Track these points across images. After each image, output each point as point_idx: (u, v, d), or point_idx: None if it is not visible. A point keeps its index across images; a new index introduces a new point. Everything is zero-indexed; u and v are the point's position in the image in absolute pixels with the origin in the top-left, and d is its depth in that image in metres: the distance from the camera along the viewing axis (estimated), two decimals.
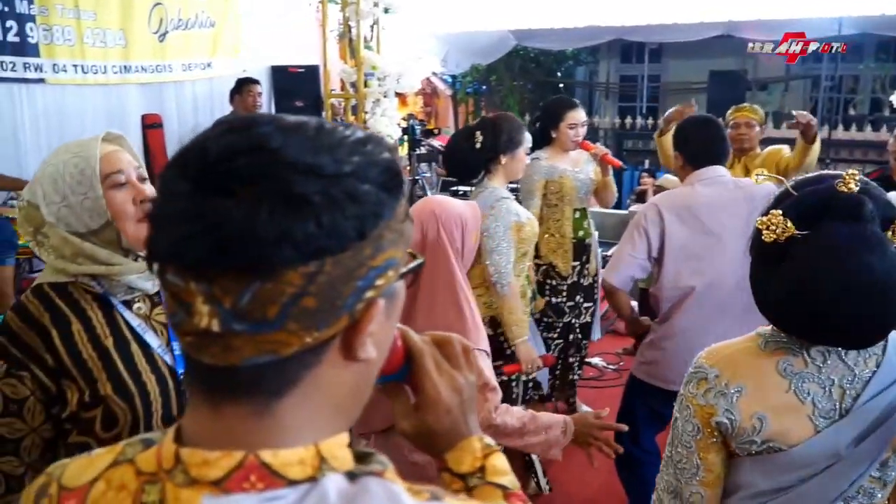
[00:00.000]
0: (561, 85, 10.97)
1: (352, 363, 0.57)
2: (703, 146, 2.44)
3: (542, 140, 3.32)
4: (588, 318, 3.53)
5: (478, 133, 2.68)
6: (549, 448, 1.61)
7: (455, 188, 6.01)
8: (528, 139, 2.73)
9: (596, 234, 3.59)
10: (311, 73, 6.27)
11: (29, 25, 4.18)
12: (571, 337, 3.51)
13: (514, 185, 3.34)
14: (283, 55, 6.27)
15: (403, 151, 5.91)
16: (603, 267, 3.41)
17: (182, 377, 1.30)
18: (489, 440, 0.80)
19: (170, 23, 5.21)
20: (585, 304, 3.51)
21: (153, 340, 1.28)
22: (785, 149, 3.62)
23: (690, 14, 7.72)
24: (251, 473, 0.53)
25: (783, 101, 9.77)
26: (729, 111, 3.76)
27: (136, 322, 1.27)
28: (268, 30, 6.09)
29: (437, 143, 6.77)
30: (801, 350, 1.13)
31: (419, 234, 1.72)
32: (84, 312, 1.23)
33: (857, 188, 1.07)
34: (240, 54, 5.86)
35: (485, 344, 1.69)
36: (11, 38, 4.08)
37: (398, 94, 5.20)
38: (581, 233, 3.42)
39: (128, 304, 1.28)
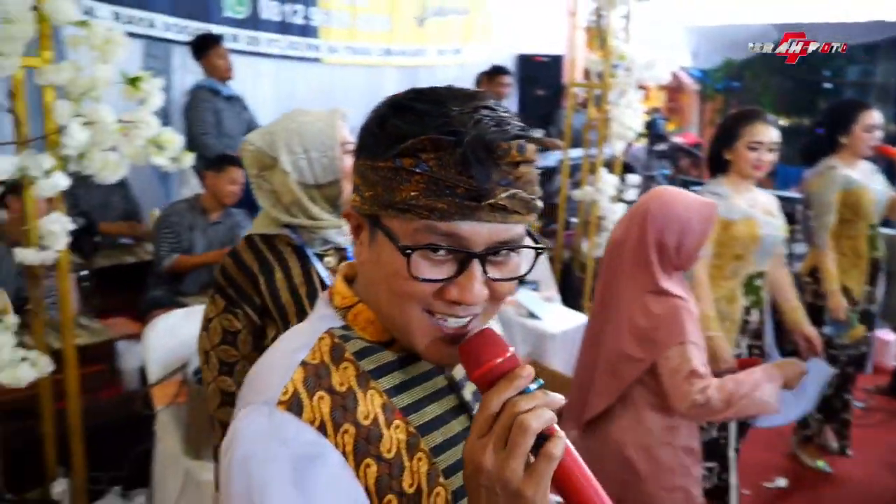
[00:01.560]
0: (828, 85, 9.80)
1: (369, 251, 0.72)
2: None
3: (829, 147, 2.99)
4: (864, 349, 3.14)
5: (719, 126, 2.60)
6: (765, 406, 1.57)
7: (695, 188, 5.65)
8: (758, 134, 2.42)
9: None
10: (554, 61, 6.26)
11: (312, 9, 4.65)
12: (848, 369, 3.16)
13: (793, 196, 3.03)
14: (528, 43, 6.33)
15: (640, 143, 5.69)
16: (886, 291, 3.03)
17: None
18: None
19: (429, 9, 5.50)
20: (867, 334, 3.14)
21: None
22: None
23: None
24: (333, 288, 0.81)
25: None
26: None
27: (325, 273, 1.42)
28: (516, 18, 6.18)
29: (679, 139, 6.41)
30: None
31: (621, 231, 1.74)
32: (286, 262, 1.40)
33: None
34: (489, 42, 6.02)
35: (689, 334, 1.66)
36: (299, 20, 4.58)
37: (641, 87, 4.98)
38: (876, 252, 3.05)
39: (319, 257, 1.44)
